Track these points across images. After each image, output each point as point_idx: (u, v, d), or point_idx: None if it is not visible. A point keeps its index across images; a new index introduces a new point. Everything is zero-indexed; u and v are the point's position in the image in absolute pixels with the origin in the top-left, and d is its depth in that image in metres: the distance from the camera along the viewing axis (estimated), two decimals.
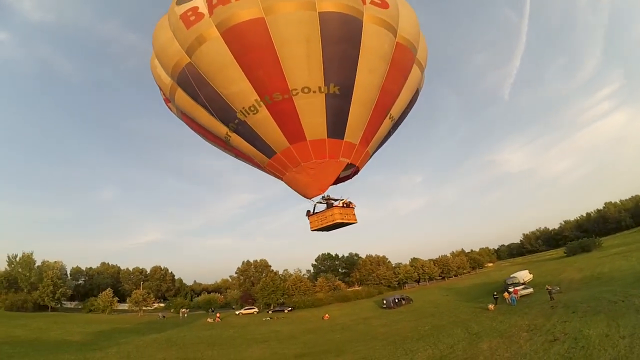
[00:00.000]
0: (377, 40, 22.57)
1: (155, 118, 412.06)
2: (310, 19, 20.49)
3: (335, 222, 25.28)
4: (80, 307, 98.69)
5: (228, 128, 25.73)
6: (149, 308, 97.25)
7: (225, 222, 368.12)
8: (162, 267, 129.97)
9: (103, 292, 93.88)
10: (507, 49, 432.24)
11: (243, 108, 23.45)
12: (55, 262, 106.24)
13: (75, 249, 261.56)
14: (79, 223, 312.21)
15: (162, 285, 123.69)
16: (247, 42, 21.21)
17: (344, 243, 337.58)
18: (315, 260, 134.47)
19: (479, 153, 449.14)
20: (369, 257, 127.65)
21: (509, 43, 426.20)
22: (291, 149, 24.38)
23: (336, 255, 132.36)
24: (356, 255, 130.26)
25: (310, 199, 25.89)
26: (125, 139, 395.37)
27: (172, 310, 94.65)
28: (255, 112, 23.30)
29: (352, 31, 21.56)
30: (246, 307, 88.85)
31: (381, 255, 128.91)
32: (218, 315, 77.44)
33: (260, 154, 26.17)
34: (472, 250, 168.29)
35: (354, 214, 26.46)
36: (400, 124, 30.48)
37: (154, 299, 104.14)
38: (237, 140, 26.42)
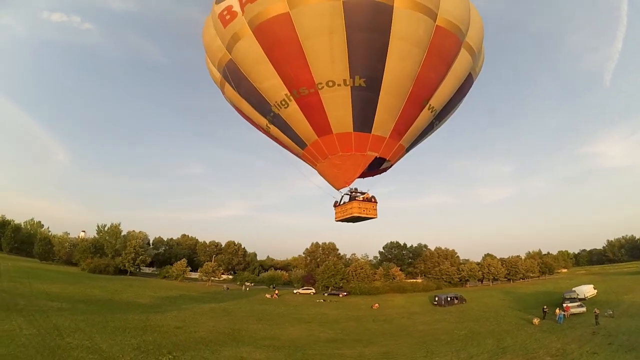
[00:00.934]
0: (410, 26, 21.14)
1: None
2: (334, 9, 20.14)
3: (352, 215, 25.92)
4: (156, 273, 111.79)
5: (267, 120, 27.13)
6: (217, 279, 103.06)
7: (304, 201, 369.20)
8: (236, 242, 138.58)
9: (178, 262, 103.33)
10: (606, 30, 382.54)
11: (276, 102, 24.58)
12: (139, 232, 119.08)
13: (161, 219, 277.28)
14: (168, 196, 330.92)
15: (234, 259, 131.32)
16: (275, 38, 21.87)
17: (416, 231, 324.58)
18: (383, 248, 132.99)
19: (572, 144, 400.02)
20: (437, 249, 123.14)
21: (608, 23, 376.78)
22: (319, 141, 25.13)
23: (404, 244, 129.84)
24: (425, 246, 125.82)
25: (338, 190, 26.53)
26: (217, 120, 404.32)
27: (238, 283, 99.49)
28: (286, 106, 24.28)
29: (380, 18, 20.52)
30: (304, 287, 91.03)
31: (450, 249, 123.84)
32: (276, 292, 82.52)
33: (295, 145, 27.35)
34: (548, 253, 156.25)
35: (375, 209, 26.69)
36: (448, 115, 29.10)
37: (222, 271, 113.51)
38: (275, 131, 27.83)
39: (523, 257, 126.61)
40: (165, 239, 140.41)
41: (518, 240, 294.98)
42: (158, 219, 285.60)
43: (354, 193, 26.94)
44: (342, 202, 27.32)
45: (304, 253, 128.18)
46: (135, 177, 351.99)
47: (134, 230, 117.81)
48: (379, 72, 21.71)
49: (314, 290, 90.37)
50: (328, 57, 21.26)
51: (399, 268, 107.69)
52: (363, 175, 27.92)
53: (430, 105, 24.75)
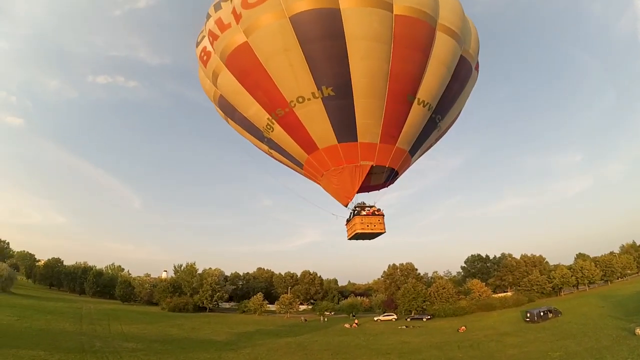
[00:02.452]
0: (362, 23, 21.23)
1: None
2: (283, 27, 21.24)
3: (357, 232, 25.94)
4: (235, 308, 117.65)
5: (266, 145, 28.89)
6: (295, 310, 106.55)
7: None
8: (311, 271, 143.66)
9: (254, 296, 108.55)
10: None
11: (263, 127, 26.20)
12: (215, 269, 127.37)
13: (237, 254, 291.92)
14: (242, 230, 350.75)
15: (311, 289, 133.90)
16: (243, 67, 23.85)
17: (497, 240, 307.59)
18: (465, 262, 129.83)
19: None
20: (523, 257, 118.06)
21: None
22: (310, 159, 25.89)
23: (487, 256, 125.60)
24: (509, 255, 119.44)
25: (345, 206, 26.70)
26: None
27: (317, 314, 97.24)
28: (272, 129, 25.77)
29: (330, 24, 21.01)
30: (385, 314, 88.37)
31: (537, 255, 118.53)
32: (356, 321, 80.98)
33: (295, 166, 28.62)
34: None
35: (381, 222, 26.33)
36: (451, 107, 27.49)
37: (299, 302, 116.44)
38: (276, 155, 29.65)
39: (617, 253, 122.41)
40: (241, 274, 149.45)
41: (608, 234, 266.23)
42: (234, 254, 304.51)
43: (358, 208, 26.99)
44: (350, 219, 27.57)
45: (382, 276, 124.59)
46: (208, 216, 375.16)
47: (210, 268, 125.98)
48: (346, 77, 21.87)
49: (395, 316, 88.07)
50: (291, 75, 22.19)
51: (485, 283, 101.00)
52: (371, 187, 28.36)
53: (419, 99, 23.87)
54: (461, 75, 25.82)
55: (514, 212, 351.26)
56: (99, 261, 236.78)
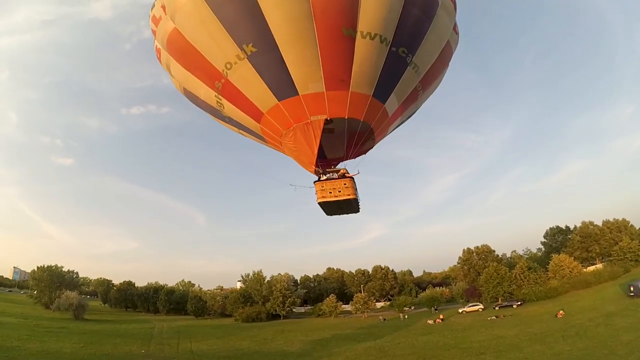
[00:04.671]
0: None
1: None
2: (194, 1, 20.49)
3: (322, 201, 23.64)
4: (310, 312, 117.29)
5: (228, 124, 28.07)
6: (371, 309, 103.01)
7: (439, 207, 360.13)
8: (383, 266, 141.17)
9: (327, 298, 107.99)
10: None
11: (217, 106, 25.10)
12: (284, 274, 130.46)
13: (304, 257, 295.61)
14: (305, 233, 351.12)
15: (385, 284, 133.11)
16: (180, 52, 23.67)
17: (575, 208, 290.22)
18: (545, 237, 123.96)
19: None
20: (605, 223, 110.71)
21: None
22: (262, 128, 24.54)
23: (567, 227, 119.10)
24: (590, 223, 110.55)
25: (314, 173, 24.44)
26: None
27: (396, 310, 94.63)
28: (222, 106, 24.73)
29: None
30: (470, 304, 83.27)
31: (620, 219, 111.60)
32: (441, 316, 76.00)
33: (258, 138, 27.51)
34: None
35: (348, 186, 23.73)
36: (420, 40, 23.06)
37: (375, 299, 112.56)
38: (242, 133, 28.69)
39: None
40: (311, 276, 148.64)
41: None
42: (302, 257, 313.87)
43: (321, 174, 24.60)
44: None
45: (458, 262, 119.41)
46: (270, 222, 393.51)
47: (279, 274, 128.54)
48: (263, 29, 20.11)
49: (482, 306, 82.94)
50: (214, 44, 21.57)
51: (573, 256, 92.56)
52: (355, 152, 25.73)
53: (363, 32, 20.61)
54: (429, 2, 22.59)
55: (579, 178, 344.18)
56: (172, 279, 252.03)
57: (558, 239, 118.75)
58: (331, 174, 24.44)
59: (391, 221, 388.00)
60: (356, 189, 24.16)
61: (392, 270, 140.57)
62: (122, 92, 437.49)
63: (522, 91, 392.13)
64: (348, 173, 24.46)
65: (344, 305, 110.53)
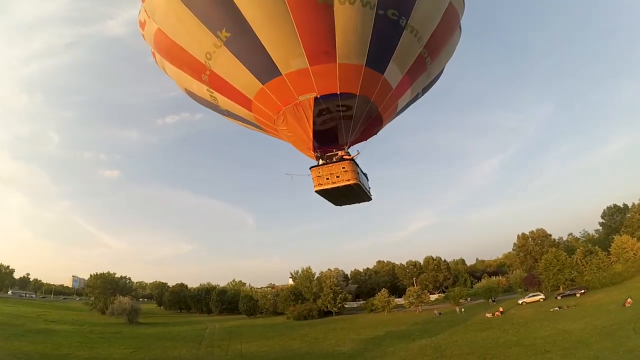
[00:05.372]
0: None
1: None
2: None
3: (316, 191, 21.66)
4: (362, 307, 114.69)
5: (231, 118, 27.26)
6: (426, 302, 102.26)
7: (485, 192, 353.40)
8: (434, 256, 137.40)
9: (379, 293, 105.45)
10: None
11: (213, 100, 24.32)
12: (334, 269, 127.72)
13: (353, 251, 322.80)
14: (353, 227, 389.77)
15: (438, 276, 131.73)
16: (166, 51, 23.16)
17: (627, 185, 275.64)
18: (602, 217, 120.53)
19: None
20: None
21: None
22: (254, 116, 23.43)
23: (624, 205, 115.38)
24: None
25: (313, 158, 22.76)
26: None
27: (451, 303, 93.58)
28: (215, 99, 23.99)
29: None
30: (530, 294, 79.32)
31: None
32: (500, 309, 72.08)
33: (258, 129, 26.62)
34: None
35: (347, 169, 21.32)
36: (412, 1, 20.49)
37: (428, 293, 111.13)
38: (244, 125, 27.85)
39: None
40: (361, 270, 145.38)
41: None
42: (351, 252, 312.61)
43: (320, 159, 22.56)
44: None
45: (513, 249, 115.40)
46: (318, 219, 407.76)
47: (328, 269, 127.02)
48: (233, 12, 18.77)
49: (542, 296, 78.17)
50: (191, 36, 20.85)
51: (635, 238, 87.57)
52: (358, 133, 23.82)
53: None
54: None
55: (631, 151, 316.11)
56: (224, 280, 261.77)
57: (616, 219, 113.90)
58: (331, 158, 22.39)
59: (437, 209, 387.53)
60: (359, 172, 22.01)
61: (445, 260, 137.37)
62: (155, 104, 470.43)
63: (560, 62, 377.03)
64: (348, 155, 22.39)
65: (396, 299, 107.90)
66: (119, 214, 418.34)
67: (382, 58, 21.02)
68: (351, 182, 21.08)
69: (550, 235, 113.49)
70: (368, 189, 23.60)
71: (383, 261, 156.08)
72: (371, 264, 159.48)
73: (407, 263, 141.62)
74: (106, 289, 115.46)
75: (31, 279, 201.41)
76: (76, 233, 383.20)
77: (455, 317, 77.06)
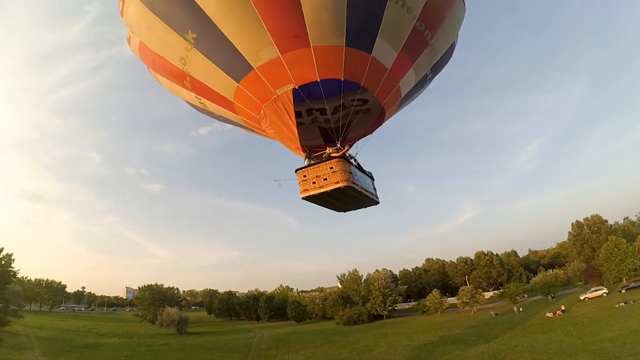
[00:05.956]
0: None
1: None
2: (136, 7, 19.20)
3: (303, 198, 19.27)
4: (414, 309, 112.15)
5: (224, 122, 26.29)
6: (480, 302, 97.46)
7: (529, 178, 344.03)
8: (486, 251, 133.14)
9: (430, 294, 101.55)
10: None
11: (201, 106, 23.78)
12: (382, 270, 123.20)
13: (400, 248, 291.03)
14: (398, 224, 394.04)
15: (491, 272, 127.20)
16: (151, 62, 22.52)
17: None
18: None
19: None
20: None
21: None
22: (240, 117, 22.20)
23: None
24: None
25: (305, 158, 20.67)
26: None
27: (507, 301, 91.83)
28: (204, 104, 23.24)
29: None
30: (593, 289, 74.86)
31: None
32: (562, 307, 69.06)
33: (250, 131, 25.61)
34: None
35: (336, 169, 18.65)
36: None
37: (482, 291, 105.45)
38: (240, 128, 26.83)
39: None
40: (410, 270, 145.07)
41: None
42: (397, 250, 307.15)
43: (311, 159, 20.19)
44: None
45: (568, 238, 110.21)
46: (361, 218, 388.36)
47: (376, 270, 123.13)
48: (193, 9, 17.59)
49: (605, 290, 73.49)
50: (164, 43, 20.01)
51: None
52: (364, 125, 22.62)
53: None
54: None
55: None
56: (272, 284, 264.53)
57: None
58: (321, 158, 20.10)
59: (482, 200, 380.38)
60: (352, 172, 19.28)
61: (497, 255, 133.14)
62: (186, 115, 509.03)
63: (591, 37, 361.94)
64: (335, 152, 19.83)
65: (449, 299, 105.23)
66: (166, 224, 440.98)
67: (366, 35, 18.73)
68: (340, 184, 18.43)
69: (607, 221, 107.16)
70: (371, 190, 21.15)
71: (432, 259, 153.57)
72: (419, 262, 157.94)
73: (457, 260, 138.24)
74: (155, 300, 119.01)
75: (85, 293, 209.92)
76: (127, 245, 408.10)
77: (513, 318, 73.42)
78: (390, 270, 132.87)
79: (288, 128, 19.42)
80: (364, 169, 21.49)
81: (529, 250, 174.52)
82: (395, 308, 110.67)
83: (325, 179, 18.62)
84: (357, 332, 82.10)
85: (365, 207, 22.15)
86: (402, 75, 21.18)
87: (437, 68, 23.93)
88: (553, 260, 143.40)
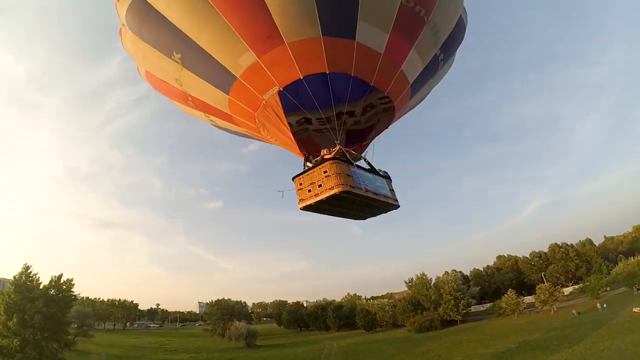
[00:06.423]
0: None
1: None
2: (133, 40, 20.20)
3: (302, 208, 17.69)
4: (489, 311, 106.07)
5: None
6: (560, 301, 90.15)
7: (591, 158, 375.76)
8: (560, 243, 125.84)
9: (505, 295, 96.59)
10: None
11: (210, 120, 23.90)
12: (451, 271, 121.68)
13: (469, 246, 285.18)
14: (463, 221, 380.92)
15: (569, 265, 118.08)
16: (156, 85, 22.86)
17: None
18: None
19: None
20: None
21: None
22: (242, 128, 22.30)
23: None
24: None
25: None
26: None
27: (589, 296, 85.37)
28: (212, 120, 23.60)
29: (141, 6, 18.58)
30: None
31: None
32: None
33: (252, 138, 25.18)
34: None
35: (330, 174, 16.85)
36: None
37: (561, 287, 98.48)
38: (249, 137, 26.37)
39: None
40: (482, 269, 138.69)
41: None
42: (462, 250, 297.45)
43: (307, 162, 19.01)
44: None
45: None
46: (425, 218, 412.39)
47: (445, 272, 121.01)
48: (172, 31, 17.81)
49: None
50: (159, 67, 20.35)
51: None
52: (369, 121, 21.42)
53: None
54: None
55: None
56: (340, 293, 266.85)
57: None
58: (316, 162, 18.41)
59: (546, 188, 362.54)
60: (350, 174, 17.30)
61: (572, 245, 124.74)
62: (232, 135, 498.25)
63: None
64: (329, 152, 18.08)
65: (526, 298, 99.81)
66: (232, 239, 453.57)
67: (343, 21, 17.29)
68: (335, 190, 16.56)
69: None
70: (383, 193, 18.97)
71: (504, 255, 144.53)
72: (490, 260, 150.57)
73: (530, 255, 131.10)
74: (223, 314, 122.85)
75: (158, 310, 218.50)
76: (196, 262, 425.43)
77: (597, 316, 67.37)
78: (460, 271, 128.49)
79: (283, 133, 18.79)
80: (378, 169, 20.03)
81: (604, 237, 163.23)
82: (470, 311, 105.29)
83: (320, 186, 17.11)
84: (430, 340, 78.93)
85: (385, 211, 20.33)
86: (402, 59, 19.35)
87: (448, 48, 21.82)
88: (632, 245, 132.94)
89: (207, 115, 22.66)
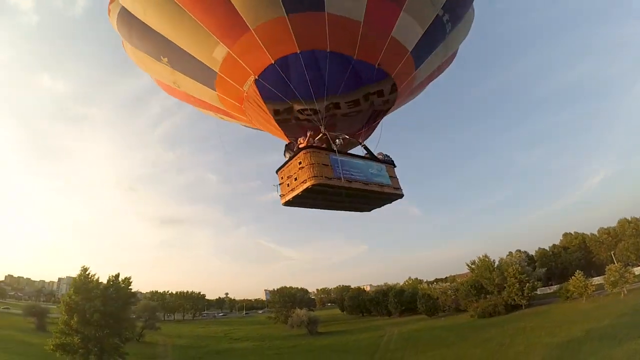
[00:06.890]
0: None
1: None
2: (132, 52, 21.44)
3: (284, 204, 16.65)
4: (556, 294, 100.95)
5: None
6: (630, 283, 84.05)
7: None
8: (629, 218, 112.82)
9: (572, 277, 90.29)
10: None
11: (218, 117, 23.89)
12: (515, 252, 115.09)
13: (531, 224, 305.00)
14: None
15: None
16: (172, 94, 23.69)
17: None
18: None
19: None
20: None
21: None
22: (239, 118, 21.39)
23: None
24: None
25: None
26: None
27: None
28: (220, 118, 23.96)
29: (128, 19, 19.26)
30: None
31: None
32: None
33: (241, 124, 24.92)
34: None
35: (304, 165, 15.35)
36: None
37: (631, 268, 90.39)
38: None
39: None
40: (547, 248, 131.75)
41: None
42: (525, 228, 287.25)
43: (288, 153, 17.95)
44: None
45: None
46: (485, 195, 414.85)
47: (509, 253, 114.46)
48: (154, 36, 18.14)
49: None
50: (158, 73, 21.17)
51: None
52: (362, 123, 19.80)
53: None
54: None
55: None
56: (402, 276, 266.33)
57: None
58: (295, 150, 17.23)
59: (608, 158, 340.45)
60: (328, 164, 15.70)
61: None
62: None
63: None
64: (303, 141, 16.73)
65: (594, 278, 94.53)
66: (292, 228, 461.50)
67: None
68: (308, 183, 15.06)
69: None
70: (379, 181, 17.06)
71: (570, 233, 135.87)
72: (555, 239, 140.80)
73: (598, 232, 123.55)
74: (285, 302, 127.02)
75: (226, 299, 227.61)
76: (262, 252, 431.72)
77: None
78: (525, 252, 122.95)
79: (269, 122, 18.51)
80: (379, 152, 18.64)
81: None
82: (536, 294, 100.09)
83: (295, 179, 15.82)
84: (493, 327, 76.10)
85: (389, 201, 18.66)
86: (392, 24, 17.14)
87: (452, 5, 18.71)
88: None
89: (215, 113, 22.98)
